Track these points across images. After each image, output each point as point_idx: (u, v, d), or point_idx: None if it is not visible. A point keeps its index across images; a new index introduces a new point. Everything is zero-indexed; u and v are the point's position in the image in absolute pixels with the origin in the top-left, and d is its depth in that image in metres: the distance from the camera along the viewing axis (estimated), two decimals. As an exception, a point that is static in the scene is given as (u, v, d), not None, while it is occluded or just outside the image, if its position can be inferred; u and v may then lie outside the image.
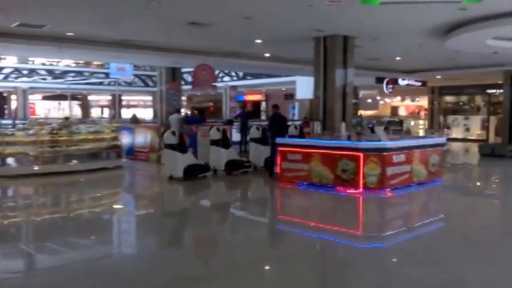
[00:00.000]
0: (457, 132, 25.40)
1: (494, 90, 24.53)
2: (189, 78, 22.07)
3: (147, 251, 5.82)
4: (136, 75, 27.83)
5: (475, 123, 25.65)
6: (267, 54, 15.47)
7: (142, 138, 14.56)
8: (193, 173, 10.61)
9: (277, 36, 12.12)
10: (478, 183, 11.58)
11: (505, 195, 10.36)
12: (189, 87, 21.76)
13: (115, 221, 7.67)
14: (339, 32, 11.56)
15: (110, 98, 33.91)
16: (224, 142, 11.46)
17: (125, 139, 14.40)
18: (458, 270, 4.92)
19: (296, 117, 25.72)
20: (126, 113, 31.94)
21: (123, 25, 10.97)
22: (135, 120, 19.77)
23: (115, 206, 8.94)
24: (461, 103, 27.69)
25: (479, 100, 26.75)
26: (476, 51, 13.67)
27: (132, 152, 14.55)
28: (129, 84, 28.21)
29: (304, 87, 21.62)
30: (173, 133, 10.82)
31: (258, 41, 12.84)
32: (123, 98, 34.88)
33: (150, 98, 32.54)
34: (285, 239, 6.49)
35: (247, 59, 15.89)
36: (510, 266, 4.97)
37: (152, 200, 9.52)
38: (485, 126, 25.28)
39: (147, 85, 30.12)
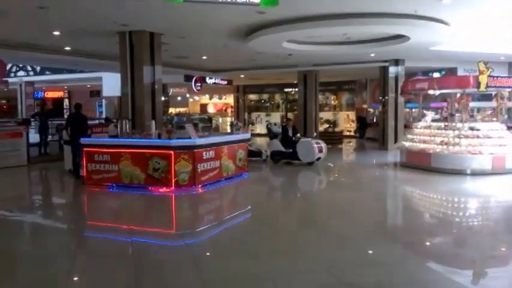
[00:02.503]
0: (260, 128, 27.43)
1: (290, 89, 27.24)
2: (-27, 72, 19.04)
3: None
4: None
5: (276, 119, 28.08)
6: (68, 48, 14.27)
7: None
8: None
9: (79, 28, 11.25)
10: (279, 175, 12.58)
11: (302, 183, 11.48)
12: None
13: None
14: (144, 28, 11.30)
15: None
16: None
17: None
18: (266, 258, 5.19)
19: (104, 116, 24.45)
20: None
21: None
22: None
23: None
24: (263, 101, 30.06)
25: (278, 98, 29.46)
26: (274, 53, 14.88)
27: None
28: None
29: (112, 84, 20.71)
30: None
31: (56, 32, 11.72)
32: None
33: None
34: (95, 246, 6.01)
35: (44, 52, 14.37)
36: (313, 251, 5.45)
37: None
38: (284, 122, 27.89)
39: None
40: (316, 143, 13.05)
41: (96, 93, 27.17)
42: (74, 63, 18.36)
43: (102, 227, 6.98)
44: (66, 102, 31.05)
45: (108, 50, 13.83)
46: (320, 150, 12.93)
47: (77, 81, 25.43)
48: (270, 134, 13.79)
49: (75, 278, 4.75)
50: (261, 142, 17.48)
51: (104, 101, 26.92)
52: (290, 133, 13.54)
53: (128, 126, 10.67)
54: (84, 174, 9.78)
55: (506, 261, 5.35)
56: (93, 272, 4.81)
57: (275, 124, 14.89)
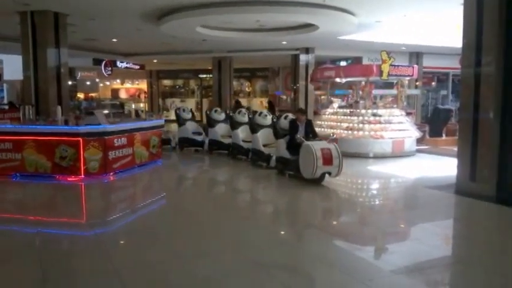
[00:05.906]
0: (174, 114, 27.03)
1: (205, 75, 27.13)
2: None
3: None
4: None
5: (190, 105, 27.78)
6: (-40, 27, 13.08)
7: None
8: None
9: (-27, 6, 10.34)
10: (194, 161, 12.56)
11: (216, 171, 11.55)
12: None
13: None
14: (48, 8, 10.67)
15: None
16: None
17: None
18: (179, 244, 5.22)
19: (6, 101, 22.72)
20: None
21: None
22: None
23: None
24: (177, 86, 29.64)
25: (193, 84, 29.22)
26: (188, 38, 14.71)
27: None
28: None
29: (13, 67, 19.30)
30: None
31: None
32: None
33: None
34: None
35: None
36: (224, 234, 5.58)
37: None
38: (199, 108, 27.80)
39: None
40: (322, 149, 7.97)
41: (-4, 76, 25.11)
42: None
43: (4, 218, 6.58)
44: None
45: (8, 30, 12.86)
46: (327, 162, 7.94)
47: (-28, 63, 23.35)
48: (210, 122, 12.91)
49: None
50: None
51: (5, 85, 24.98)
52: (303, 132, 8.90)
53: (31, 112, 10.05)
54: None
55: (405, 236, 5.83)
56: (-6, 267, 4.55)
57: (215, 111, 12.56)
